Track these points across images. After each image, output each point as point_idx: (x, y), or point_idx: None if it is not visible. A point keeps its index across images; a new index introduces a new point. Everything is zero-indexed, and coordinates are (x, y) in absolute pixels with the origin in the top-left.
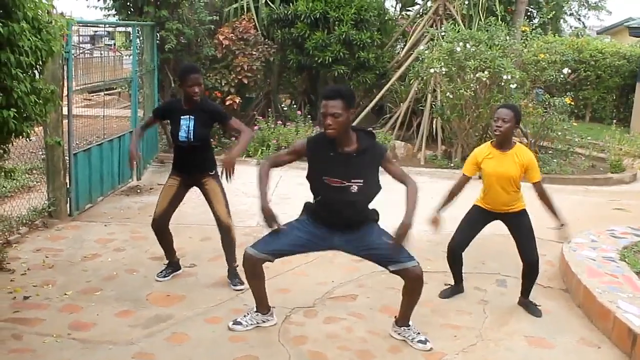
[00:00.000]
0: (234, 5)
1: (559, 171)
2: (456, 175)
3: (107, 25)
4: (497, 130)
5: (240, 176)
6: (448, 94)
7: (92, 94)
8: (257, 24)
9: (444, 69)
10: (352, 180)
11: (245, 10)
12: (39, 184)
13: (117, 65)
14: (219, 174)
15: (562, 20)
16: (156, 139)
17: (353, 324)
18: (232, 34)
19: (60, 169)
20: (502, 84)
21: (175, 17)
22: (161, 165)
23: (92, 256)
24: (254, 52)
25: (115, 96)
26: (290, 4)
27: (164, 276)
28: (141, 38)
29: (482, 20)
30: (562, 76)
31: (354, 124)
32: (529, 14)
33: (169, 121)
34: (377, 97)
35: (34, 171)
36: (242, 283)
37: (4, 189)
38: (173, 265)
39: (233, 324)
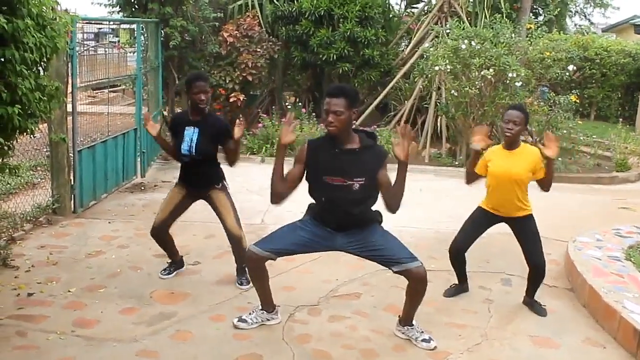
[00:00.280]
0: (239, 2)
1: (564, 170)
2: (461, 173)
3: (112, 22)
4: (509, 132)
5: (244, 173)
6: (453, 91)
7: (96, 91)
8: (261, 21)
9: (448, 67)
10: (354, 179)
11: (250, 7)
12: (43, 180)
13: (122, 62)
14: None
15: (567, 18)
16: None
17: (357, 322)
18: (236, 31)
19: (64, 165)
20: (507, 81)
21: (179, 14)
22: (165, 162)
23: (96, 253)
24: (259, 50)
25: (120, 93)
26: (295, 1)
27: (168, 273)
28: (145, 35)
29: (487, 17)
30: (567, 74)
31: (358, 122)
32: (534, 11)
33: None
34: (382, 94)
35: (39, 168)
36: (248, 282)
37: (8, 185)
38: (176, 263)
39: (238, 321)
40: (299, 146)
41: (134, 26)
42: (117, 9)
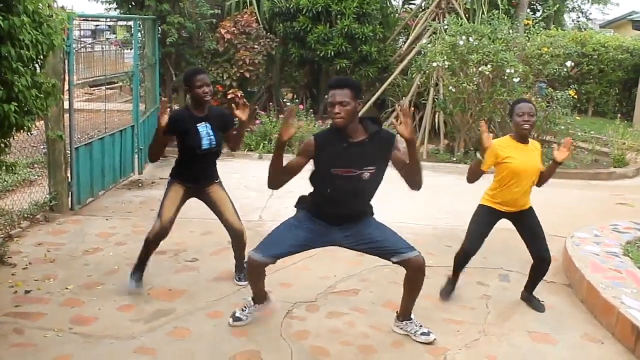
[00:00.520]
0: None
1: (562, 165)
2: (459, 169)
3: (109, 19)
4: (526, 124)
5: (241, 170)
6: (450, 87)
7: (93, 88)
8: (258, 17)
9: (446, 63)
10: (365, 168)
11: (247, 3)
12: (40, 178)
13: (119, 59)
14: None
15: (565, 14)
16: None
17: (355, 318)
18: (234, 28)
19: (61, 163)
20: (505, 77)
21: (176, 10)
22: (163, 159)
23: (94, 250)
24: (256, 46)
25: (117, 90)
26: None
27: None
28: (142, 32)
29: (485, 13)
30: (565, 70)
31: None
32: (532, 7)
33: (178, 134)
34: (379, 91)
35: (36, 165)
36: (246, 279)
37: (5, 182)
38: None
39: (233, 320)
40: (304, 140)
41: (131, 23)
42: (114, 5)
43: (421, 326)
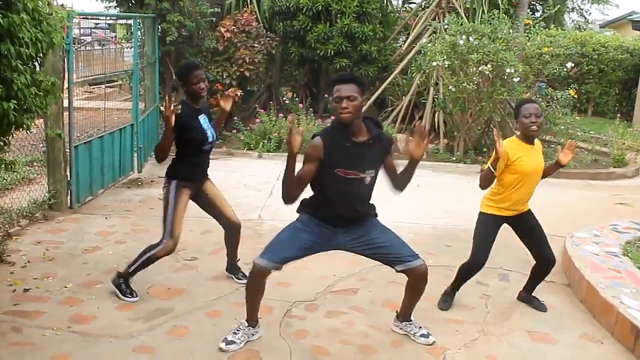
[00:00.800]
0: None
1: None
2: (458, 169)
3: (108, 18)
4: (534, 125)
5: (241, 169)
6: (450, 87)
7: (93, 87)
8: (258, 16)
9: (446, 62)
10: (367, 171)
11: (248, 2)
12: (39, 176)
13: (118, 57)
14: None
15: (565, 14)
16: (157, 130)
17: (355, 318)
18: (233, 27)
19: (60, 161)
20: (505, 77)
21: (176, 9)
22: None
23: (93, 249)
24: (256, 45)
25: (116, 88)
26: None
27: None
28: (142, 30)
29: (486, 13)
30: (564, 70)
31: None
32: (532, 7)
33: (181, 129)
34: (379, 90)
35: (35, 163)
36: (246, 276)
37: (4, 181)
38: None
39: (226, 344)
40: (308, 145)
41: (130, 21)
42: (114, 4)
43: (421, 327)
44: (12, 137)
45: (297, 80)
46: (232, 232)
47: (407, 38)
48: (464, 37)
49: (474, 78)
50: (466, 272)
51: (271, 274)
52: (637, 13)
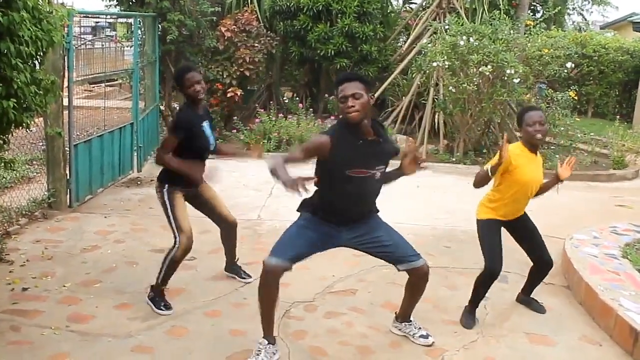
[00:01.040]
0: None
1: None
2: (458, 169)
3: (109, 16)
4: (538, 134)
5: (240, 169)
6: (451, 88)
7: (93, 85)
8: (259, 15)
9: (446, 63)
10: (376, 168)
11: (248, 1)
12: (38, 175)
13: (119, 56)
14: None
15: (566, 15)
16: (156, 130)
17: (353, 319)
18: (234, 26)
19: (60, 160)
20: (505, 78)
21: (177, 8)
22: None
23: (92, 248)
24: (256, 44)
25: (116, 87)
26: None
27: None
28: (143, 29)
29: (486, 13)
30: (565, 71)
31: None
32: (532, 8)
33: (184, 136)
34: (379, 90)
35: (34, 162)
36: (249, 275)
37: (3, 179)
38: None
39: None
40: (315, 139)
41: (131, 20)
42: (115, 3)
43: (420, 328)
44: (12, 135)
45: (297, 80)
46: (227, 230)
47: (408, 38)
48: (464, 37)
49: (474, 79)
50: (484, 282)
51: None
52: (637, 14)
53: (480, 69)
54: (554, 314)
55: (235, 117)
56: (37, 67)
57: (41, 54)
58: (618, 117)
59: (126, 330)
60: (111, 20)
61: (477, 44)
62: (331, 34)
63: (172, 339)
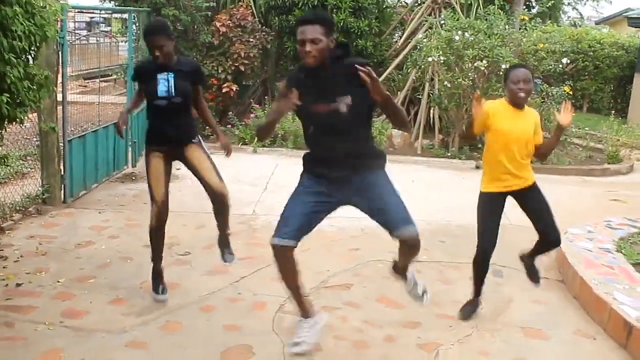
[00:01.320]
0: None
1: (556, 162)
2: (453, 164)
3: (103, 11)
4: (522, 92)
5: (235, 164)
6: (446, 83)
7: (87, 81)
8: (254, 11)
9: (442, 58)
10: (337, 98)
11: None
12: (32, 170)
13: (113, 51)
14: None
15: (561, 11)
16: None
17: (349, 313)
18: (229, 21)
19: (54, 155)
20: (501, 73)
21: (171, 3)
22: None
23: (86, 243)
24: (251, 40)
25: (111, 83)
26: None
27: (163, 292)
28: (137, 24)
29: (481, 8)
30: (560, 66)
31: None
32: (527, 3)
33: (141, 86)
34: None
35: (28, 157)
36: (233, 255)
37: None
38: (161, 276)
39: (297, 347)
40: (281, 85)
41: (125, 15)
42: None
43: (416, 284)
44: (5, 130)
45: None
46: (214, 200)
47: (403, 33)
48: (459, 32)
49: (470, 74)
50: (476, 261)
51: (263, 268)
52: (632, 10)
53: (475, 64)
54: (548, 308)
55: (231, 113)
56: (31, 62)
57: (34, 48)
58: (613, 112)
59: (120, 325)
60: (106, 16)
61: (472, 39)
62: None
63: (166, 334)
